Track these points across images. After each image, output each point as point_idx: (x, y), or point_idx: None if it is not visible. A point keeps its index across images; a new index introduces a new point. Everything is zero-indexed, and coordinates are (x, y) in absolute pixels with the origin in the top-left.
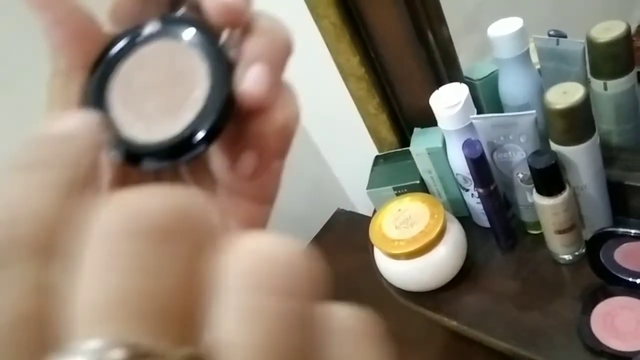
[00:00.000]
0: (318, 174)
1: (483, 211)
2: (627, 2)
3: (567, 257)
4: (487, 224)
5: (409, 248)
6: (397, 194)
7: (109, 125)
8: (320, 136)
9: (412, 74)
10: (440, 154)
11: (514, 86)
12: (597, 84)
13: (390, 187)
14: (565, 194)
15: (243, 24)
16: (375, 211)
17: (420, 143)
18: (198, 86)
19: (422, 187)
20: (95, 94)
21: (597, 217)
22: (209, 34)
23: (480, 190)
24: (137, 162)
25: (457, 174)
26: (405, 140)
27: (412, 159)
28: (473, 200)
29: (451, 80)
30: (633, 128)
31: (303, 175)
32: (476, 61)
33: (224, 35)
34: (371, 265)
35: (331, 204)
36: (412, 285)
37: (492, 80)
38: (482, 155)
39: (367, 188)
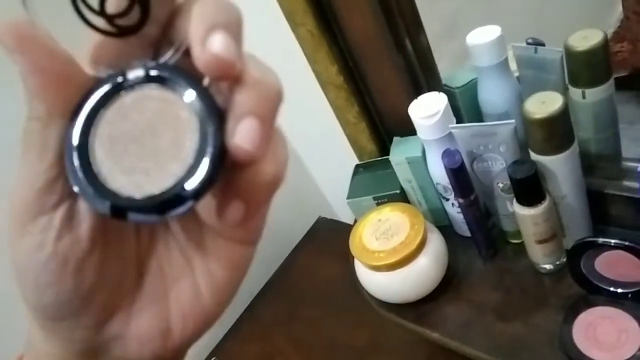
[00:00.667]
0: (299, 182)
1: (464, 220)
2: (602, 8)
3: (548, 266)
4: (467, 233)
5: (390, 260)
6: (378, 204)
7: (94, 177)
8: (301, 145)
9: (391, 83)
10: (420, 164)
11: (493, 94)
12: (575, 93)
13: (370, 197)
14: (545, 204)
15: (234, 77)
16: (355, 221)
17: (400, 152)
18: (187, 138)
19: (403, 197)
20: (78, 145)
21: (578, 226)
22: (196, 82)
23: (461, 200)
24: (123, 216)
25: (437, 184)
26: (385, 149)
27: (391, 168)
28: (453, 209)
29: (430, 89)
30: (611, 136)
31: (284, 183)
32: (455, 68)
33: (210, 84)
34: (350, 277)
35: (313, 212)
36: (393, 297)
37: (471, 88)
38: (462, 165)
39: (347, 198)
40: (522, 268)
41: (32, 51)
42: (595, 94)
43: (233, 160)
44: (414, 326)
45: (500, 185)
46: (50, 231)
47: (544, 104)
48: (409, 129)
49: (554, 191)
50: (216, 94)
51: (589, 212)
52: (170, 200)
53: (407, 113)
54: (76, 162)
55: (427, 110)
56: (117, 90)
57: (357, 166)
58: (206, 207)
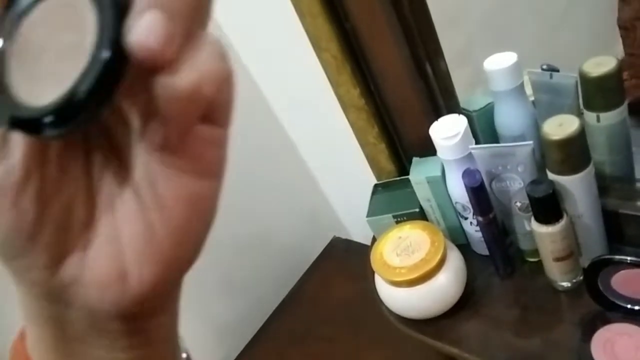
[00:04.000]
0: (314, 202)
1: (481, 239)
2: (609, 38)
3: (566, 284)
4: (485, 252)
5: (411, 275)
6: (397, 222)
7: (6, 95)
8: (317, 164)
9: (411, 105)
10: (439, 183)
11: (509, 117)
12: (590, 116)
13: (390, 215)
14: (562, 222)
15: None
16: (374, 239)
17: (420, 172)
18: (86, 39)
19: (421, 215)
20: None
21: (594, 245)
22: None
23: (480, 219)
24: (38, 132)
25: (456, 203)
26: (403, 169)
27: (411, 187)
28: (472, 228)
29: (449, 112)
30: (625, 158)
31: (299, 203)
32: (467, 94)
33: None
34: (369, 293)
35: (327, 232)
36: (414, 313)
37: (487, 112)
38: (482, 184)
39: (367, 216)
40: (540, 286)
41: None
42: (609, 118)
43: (138, 64)
44: (434, 342)
45: (518, 204)
46: None
47: (561, 126)
48: (427, 150)
49: (571, 210)
50: None
51: (604, 231)
52: (60, 110)
53: (426, 134)
54: None
55: (448, 131)
56: (33, 2)
57: (376, 185)
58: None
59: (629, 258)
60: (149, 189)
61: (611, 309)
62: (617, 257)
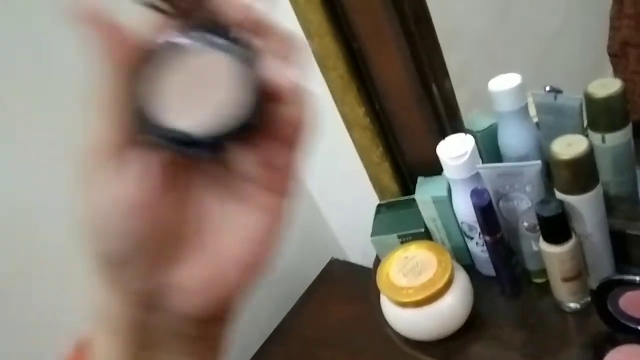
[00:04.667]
0: (312, 223)
1: (487, 259)
2: (598, 62)
3: (574, 305)
4: (490, 273)
5: (419, 296)
6: (402, 242)
7: (154, 119)
8: (316, 184)
9: (416, 125)
10: (445, 203)
11: (513, 138)
12: (595, 137)
13: (395, 235)
14: (572, 243)
15: (258, 24)
16: (377, 260)
17: (426, 192)
18: (230, 83)
19: (427, 236)
20: (141, 95)
21: (602, 265)
22: (230, 35)
23: (488, 239)
24: (186, 150)
25: (462, 223)
26: (407, 189)
27: (416, 207)
28: (478, 248)
29: (453, 131)
30: (630, 179)
31: (296, 224)
32: (476, 113)
33: (244, 36)
34: (370, 314)
35: (325, 254)
36: (420, 334)
37: (491, 133)
38: (490, 204)
39: (372, 236)
40: (547, 307)
41: (105, 23)
42: (614, 139)
43: (268, 97)
44: None
45: (526, 224)
46: (115, 178)
47: (570, 146)
48: (431, 169)
49: (580, 230)
50: (247, 42)
51: (611, 251)
52: (221, 136)
53: (430, 154)
54: (139, 109)
55: (456, 151)
56: (166, 53)
57: (379, 205)
58: (239, 156)
59: (638, 278)
60: (241, 206)
61: (621, 331)
62: (627, 277)
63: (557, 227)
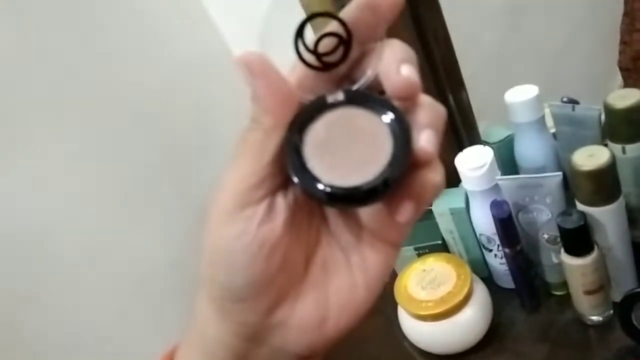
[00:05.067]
0: None
1: (506, 271)
2: (606, 72)
3: (596, 318)
4: (509, 285)
5: (438, 309)
6: (419, 254)
7: (309, 172)
8: None
9: None
10: (463, 214)
11: (530, 150)
12: (615, 148)
13: (411, 247)
14: (594, 255)
15: (417, 98)
16: (394, 271)
17: (443, 203)
18: (383, 144)
19: (444, 247)
20: (295, 149)
21: (624, 278)
22: (387, 102)
23: (507, 251)
24: (332, 202)
25: (480, 235)
26: None
27: (433, 218)
28: (496, 260)
29: (470, 143)
30: None
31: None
32: (492, 125)
33: (397, 104)
34: (388, 327)
35: None
36: (439, 347)
37: (507, 144)
38: (510, 216)
39: None
40: (568, 320)
41: (270, 77)
42: (635, 150)
43: (414, 162)
44: None
45: (546, 236)
46: (254, 219)
47: (591, 157)
48: (448, 181)
49: (602, 242)
50: (402, 112)
51: (634, 263)
52: (371, 190)
53: (448, 165)
54: (295, 161)
55: (474, 162)
56: (322, 109)
57: None
58: (368, 209)
59: None
60: (358, 254)
61: None
62: None
63: (578, 239)
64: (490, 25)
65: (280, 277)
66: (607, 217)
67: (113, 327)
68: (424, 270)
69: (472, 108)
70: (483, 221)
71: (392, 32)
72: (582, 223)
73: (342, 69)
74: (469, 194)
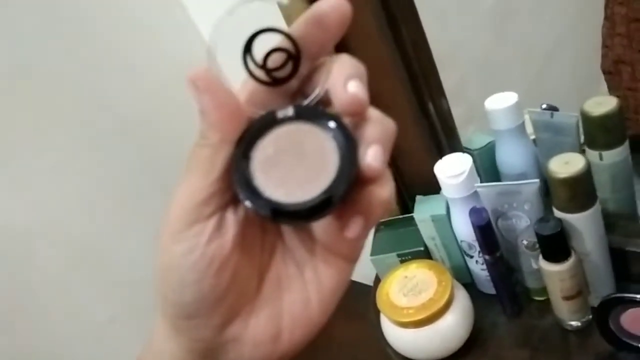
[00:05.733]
0: None
1: (487, 277)
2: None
3: (575, 323)
4: (490, 291)
5: (419, 316)
6: (401, 261)
7: (255, 189)
8: None
9: (413, 144)
10: (444, 221)
11: (510, 156)
12: (592, 155)
13: (394, 254)
14: (571, 260)
15: (364, 114)
16: (377, 278)
17: (424, 210)
18: (329, 159)
19: (426, 254)
20: (242, 165)
21: (602, 283)
22: (334, 118)
23: (487, 257)
24: (277, 219)
25: (461, 241)
26: (405, 207)
27: (415, 225)
28: (477, 266)
29: (451, 150)
30: (628, 196)
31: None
32: (464, 132)
33: (344, 120)
34: (372, 334)
35: None
36: (421, 354)
37: (489, 151)
38: (489, 223)
39: (371, 255)
40: (548, 325)
41: (216, 92)
42: (611, 156)
43: (361, 178)
44: None
45: (525, 242)
46: (203, 236)
47: (567, 164)
48: (429, 188)
49: (579, 248)
50: (349, 127)
51: (611, 269)
52: (315, 207)
53: (428, 172)
54: (241, 177)
55: (453, 169)
56: (271, 124)
57: (378, 224)
58: (320, 225)
59: (639, 296)
60: (312, 269)
61: (623, 349)
62: (628, 295)
63: (556, 245)
64: (477, 31)
65: (231, 292)
66: (583, 224)
67: (103, 331)
68: (406, 277)
69: (454, 114)
70: (463, 228)
71: (371, 43)
72: (559, 230)
73: (293, 83)
74: (449, 201)
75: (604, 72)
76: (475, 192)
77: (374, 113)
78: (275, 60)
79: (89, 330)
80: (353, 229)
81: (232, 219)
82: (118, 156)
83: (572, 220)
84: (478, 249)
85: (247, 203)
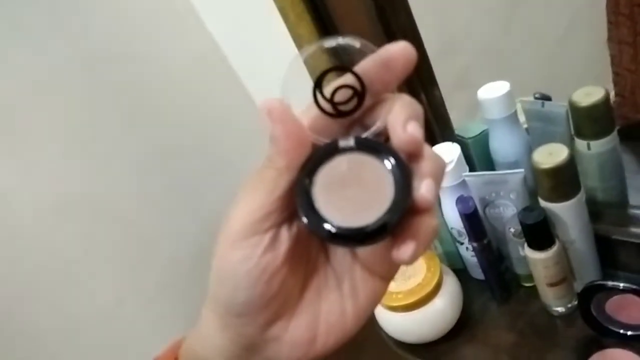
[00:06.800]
0: None
1: (478, 264)
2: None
3: (560, 309)
4: (482, 277)
5: (407, 300)
6: None
7: (316, 211)
8: None
9: None
10: (435, 209)
11: (503, 145)
12: (581, 144)
13: None
14: (555, 248)
15: (420, 151)
16: None
17: None
18: (386, 189)
19: None
20: (305, 188)
21: (587, 270)
22: (392, 152)
23: (474, 244)
24: (335, 241)
25: (451, 228)
26: None
27: None
28: (468, 253)
29: (444, 139)
30: (617, 185)
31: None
32: (466, 118)
33: (401, 154)
34: (370, 319)
35: None
36: (411, 337)
37: (482, 139)
38: (475, 211)
39: None
40: (535, 310)
41: (287, 123)
42: (599, 146)
43: (414, 208)
44: None
45: (512, 230)
46: (259, 247)
47: (551, 155)
48: None
49: (563, 236)
50: (406, 161)
51: (597, 256)
52: (370, 233)
53: None
54: (304, 199)
55: None
56: (333, 153)
57: None
58: (368, 247)
59: (621, 284)
60: (350, 284)
61: (605, 334)
62: (610, 282)
63: (539, 233)
64: (485, 16)
65: (277, 298)
66: (566, 212)
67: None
68: None
69: (461, 99)
70: (453, 216)
71: (359, 30)
72: (542, 218)
73: (355, 115)
74: None
75: (610, 49)
76: (464, 181)
77: (428, 150)
78: (342, 95)
79: (97, 315)
80: (404, 251)
81: (286, 235)
82: (130, 148)
83: (556, 209)
84: (467, 236)
85: (308, 223)
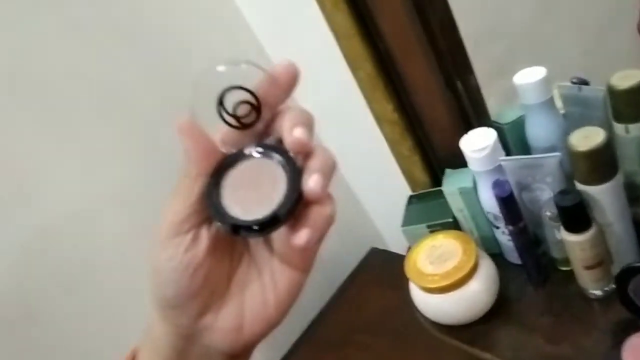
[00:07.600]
0: (351, 214)
1: (514, 248)
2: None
3: (597, 292)
4: (518, 261)
5: (443, 282)
6: (431, 232)
7: (223, 209)
8: (354, 178)
9: (442, 119)
10: (471, 194)
11: (539, 130)
12: (619, 128)
13: (424, 225)
14: (591, 231)
15: (308, 151)
16: (409, 248)
17: (452, 183)
18: (280, 185)
19: (455, 225)
20: (213, 191)
21: (626, 253)
22: (286, 154)
23: (510, 228)
24: (238, 233)
25: (487, 212)
26: (437, 180)
27: (444, 198)
28: (504, 237)
29: (480, 125)
30: None
31: (337, 215)
32: (505, 104)
33: (293, 155)
34: (406, 302)
35: (365, 243)
36: (447, 319)
37: (518, 124)
38: (511, 195)
39: (402, 226)
40: (572, 294)
41: (195, 136)
42: (638, 129)
43: (306, 199)
44: (467, 347)
45: (548, 213)
46: (181, 246)
47: (587, 138)
48: (459, 161)
49: (601, 219)
50: (297, 160)
51: (636, 239)
52: (265, 223)
53: (457, 147)
54: (211, 200)
55: (478, 144)
56: (238, 159)
57: (410, 197)
58: (279, 239)
59: None
60: (269, 275)
61: None
62: None
63: (576, 216)
64: (525, 1)
65: (204, 290)
66: (603, 195)
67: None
68: (433, 246)
69: (500, 85)
70: (489, 200)
71: (395, 18)
72: (578, 201)
73: (259, 126)
74: (475, 174)
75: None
76: (500, 166)
77: (318, 149)
78: (242, 109)
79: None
80: (299, 237)
81: (205, 234)
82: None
83: (593, 192)
84: (503, 220)
85: (214, 220)
